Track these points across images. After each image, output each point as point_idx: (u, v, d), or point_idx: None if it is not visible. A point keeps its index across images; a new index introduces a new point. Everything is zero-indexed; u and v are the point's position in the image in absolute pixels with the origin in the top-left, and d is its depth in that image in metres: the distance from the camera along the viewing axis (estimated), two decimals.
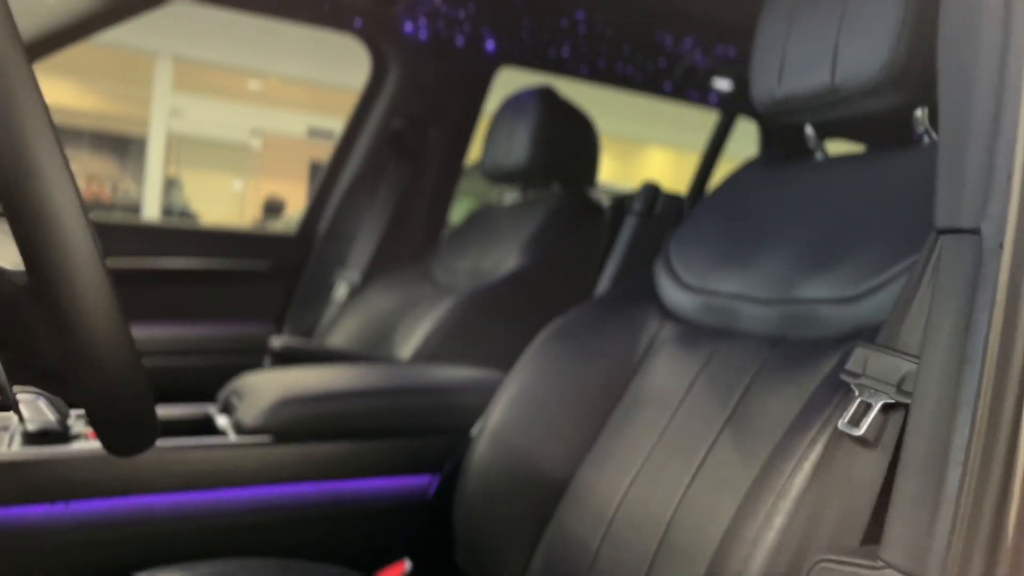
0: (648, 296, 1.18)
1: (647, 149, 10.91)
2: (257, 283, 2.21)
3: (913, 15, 0.88)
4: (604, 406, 1.11)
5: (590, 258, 1.87)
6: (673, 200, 1.38)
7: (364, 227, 2.27)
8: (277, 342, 1.62)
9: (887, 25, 0.89)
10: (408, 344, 1.70)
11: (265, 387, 1.28)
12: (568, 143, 1.92)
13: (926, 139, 0.98)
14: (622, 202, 1.93)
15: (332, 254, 2.27)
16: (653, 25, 2.24)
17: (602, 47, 2.27)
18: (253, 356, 2.14)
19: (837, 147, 1.22)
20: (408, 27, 2.08)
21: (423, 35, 2.11)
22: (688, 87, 2.48)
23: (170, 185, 9.29)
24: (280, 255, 2.25)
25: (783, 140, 2.70)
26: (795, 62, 1.01)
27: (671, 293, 1.13)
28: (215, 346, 2.09)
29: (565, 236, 1.85)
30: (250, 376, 1.37)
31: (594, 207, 1.91)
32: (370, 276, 2.19)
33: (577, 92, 2.20)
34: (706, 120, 2.75)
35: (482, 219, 2.12)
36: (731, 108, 2.59)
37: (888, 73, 0.90)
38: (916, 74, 0.90)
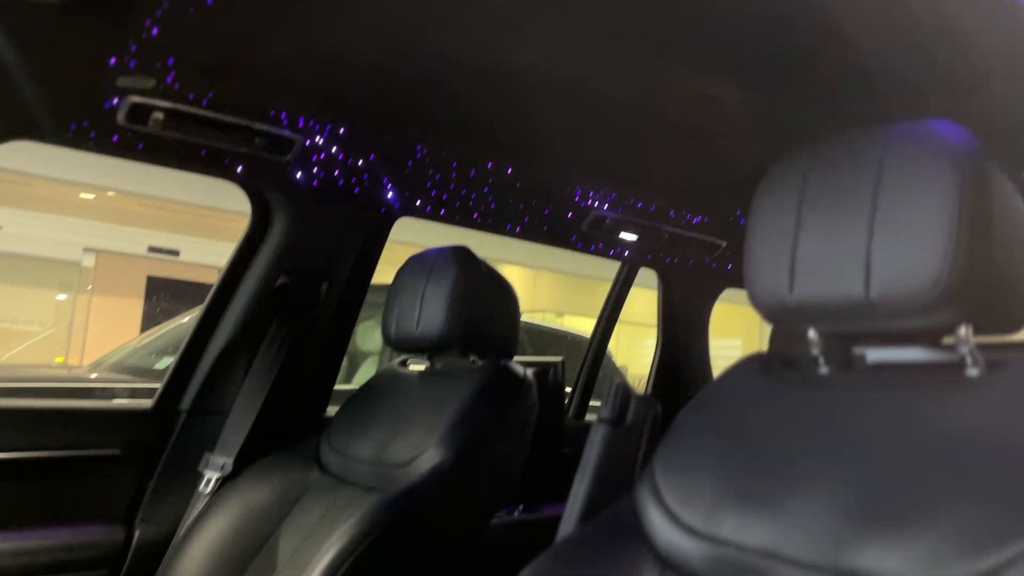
0: (634, 534, 0.95)
1: (502, 267, 11.13)
2: (102, 472, 1.79)
3: (965, 226, 0.77)
4: None
5: (521, 443, 1.63)
6: (647, 404, 1.18)
7: (238, 400, 1.92)
8: None
9: (936, 235, 0.78)
10: (312, 568, 1.36)
11: None
12: (490, 314, 1.70)
13: (969, 362, 0.83)
14: (547, 372, 1.73)
15: (198, 434, 1.90)
16: (561, 179, 2.11)
17: (510, 200, 2.11)
18: (96, 570, 1.72)
19: None
20: (299, 176, 1.83)
21: (315, 183, 1.86)
22: (595, 239, 2.35)
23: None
24: (131, 435, 1.85)
25: (683, 284, 2.62)
26: (813, 265, 0.87)
27: (667, 535, 0.92)
28: (47, 560, 1.65)
29: (495, 418, 1.59)
30: None
31: (520, 381, 1.67)
32: (244, 462, 1.83)
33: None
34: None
35: (381, 391, 1.83)
36: (635, 263, 2.48)
37: (943, 290, 0.78)
38: (971, 290, 0.78)
